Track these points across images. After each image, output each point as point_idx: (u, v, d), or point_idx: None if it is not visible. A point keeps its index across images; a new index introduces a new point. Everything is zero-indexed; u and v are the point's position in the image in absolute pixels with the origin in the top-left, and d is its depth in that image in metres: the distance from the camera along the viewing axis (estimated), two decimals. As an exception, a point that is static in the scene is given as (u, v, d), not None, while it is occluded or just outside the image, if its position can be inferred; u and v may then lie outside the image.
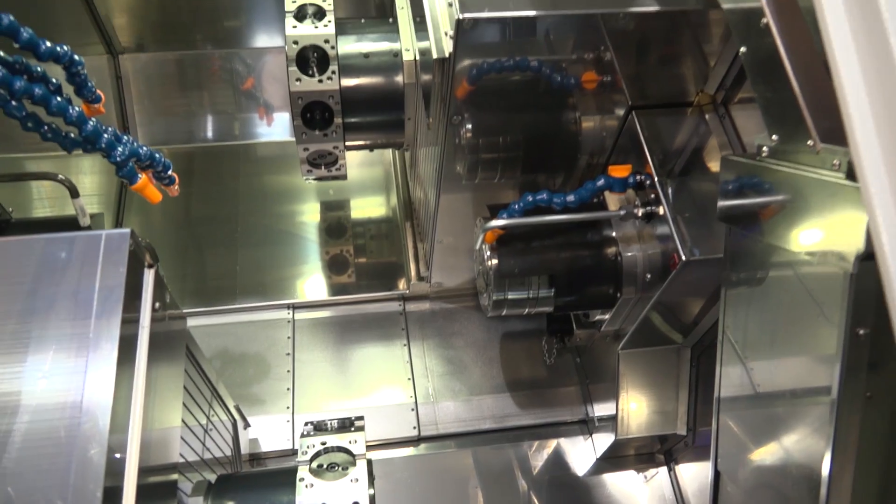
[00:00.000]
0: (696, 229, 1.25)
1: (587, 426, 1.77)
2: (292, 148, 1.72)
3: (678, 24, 1.30)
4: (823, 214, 0.82)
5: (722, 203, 1.06)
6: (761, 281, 1.00)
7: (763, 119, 0.97)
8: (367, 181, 2.30)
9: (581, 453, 1.73)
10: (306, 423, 1.15)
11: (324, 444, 1.07)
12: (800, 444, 0.91)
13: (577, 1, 1.28)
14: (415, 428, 1.69)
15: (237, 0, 2.43)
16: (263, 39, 2.49)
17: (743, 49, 0.97)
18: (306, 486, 1.00)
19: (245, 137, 2.50)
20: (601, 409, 1.72)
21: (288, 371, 1.74)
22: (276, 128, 2.51)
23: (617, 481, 1.71)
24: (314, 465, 1.05)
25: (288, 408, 1.67)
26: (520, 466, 1.69)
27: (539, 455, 1.72)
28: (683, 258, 1.21)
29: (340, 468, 1.05)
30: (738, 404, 1.09)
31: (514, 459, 1.70)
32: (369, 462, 1.07)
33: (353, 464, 1.05)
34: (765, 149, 0.96)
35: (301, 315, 1.88)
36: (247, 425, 1.58)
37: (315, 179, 1.67)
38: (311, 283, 1.98)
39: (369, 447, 1.66)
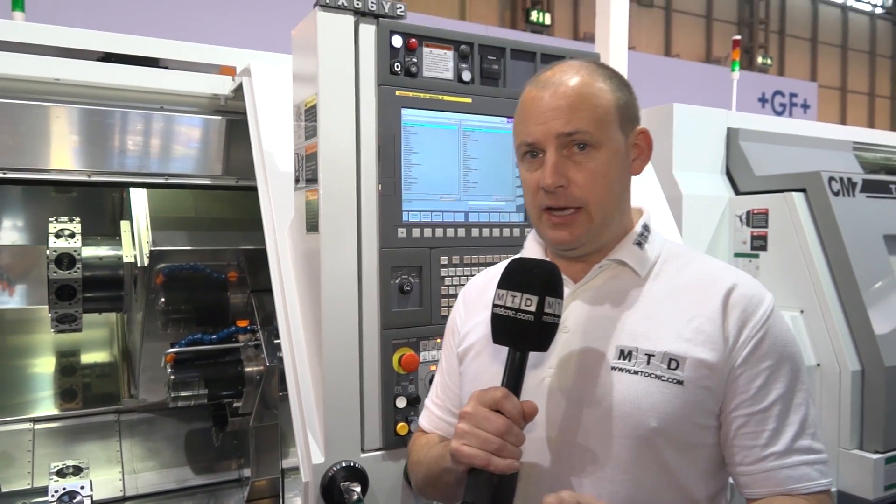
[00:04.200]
0: (275, 350, 2.51)
1: (240, 482, 2.85)
2: (29, 313, 2.69)
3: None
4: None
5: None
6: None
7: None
8: (95, 337, 3.25)
9: (237, 501, 2.79)
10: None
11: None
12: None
13: (218, 239, 2.59)
14: (121, 491, 2.62)
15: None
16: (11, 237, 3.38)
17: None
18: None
19: (-10, 306, 3.30)
20: (247, 471, 2.82)
21: (29, 461, 2.57)
22: (16, 297, 3.36)
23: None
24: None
25: (28, 484, 2.49)
26: (195, 512, 2.69)
27: None
28: (268, 364, 2.46)
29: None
30: (287, 430, 2.33)
31: (192, 507, 2.69)
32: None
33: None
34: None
35: (40, 426, 2.73)
36: (-5, 496, 2.38)
37: (59, 332, 2.65)
38: (49, 405, 2.85)
39: (89, 507, 2.55)
